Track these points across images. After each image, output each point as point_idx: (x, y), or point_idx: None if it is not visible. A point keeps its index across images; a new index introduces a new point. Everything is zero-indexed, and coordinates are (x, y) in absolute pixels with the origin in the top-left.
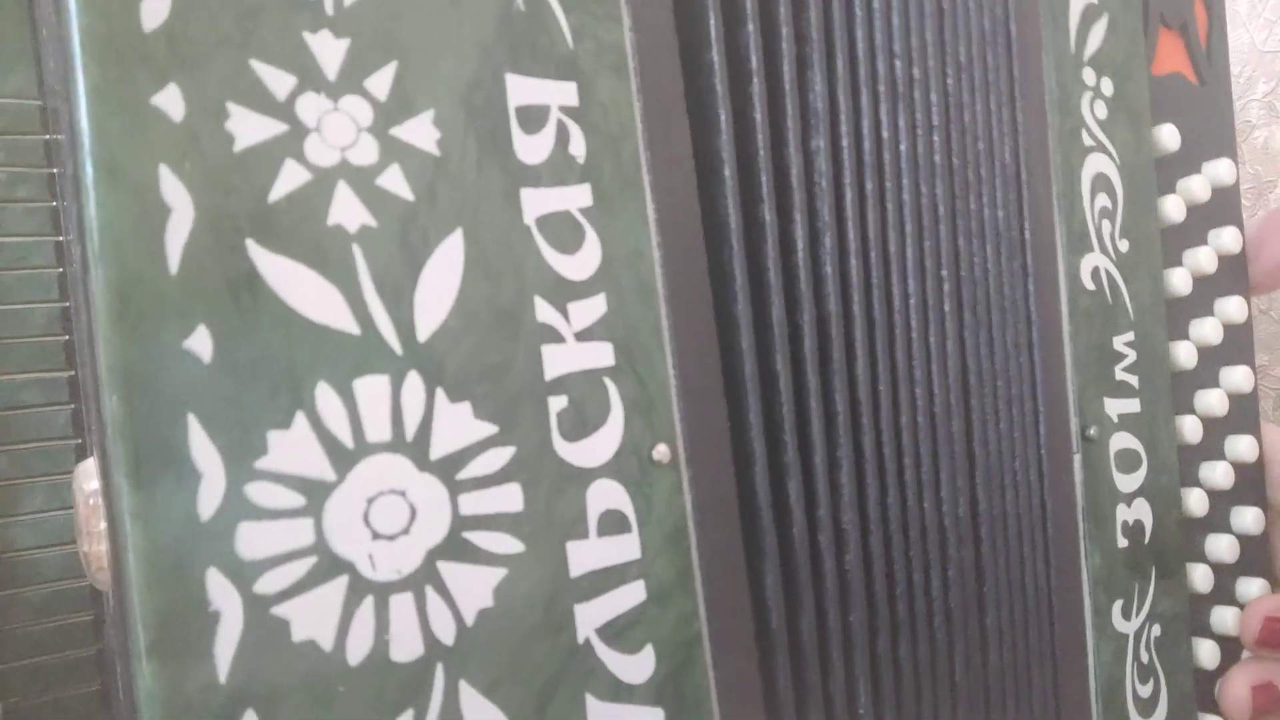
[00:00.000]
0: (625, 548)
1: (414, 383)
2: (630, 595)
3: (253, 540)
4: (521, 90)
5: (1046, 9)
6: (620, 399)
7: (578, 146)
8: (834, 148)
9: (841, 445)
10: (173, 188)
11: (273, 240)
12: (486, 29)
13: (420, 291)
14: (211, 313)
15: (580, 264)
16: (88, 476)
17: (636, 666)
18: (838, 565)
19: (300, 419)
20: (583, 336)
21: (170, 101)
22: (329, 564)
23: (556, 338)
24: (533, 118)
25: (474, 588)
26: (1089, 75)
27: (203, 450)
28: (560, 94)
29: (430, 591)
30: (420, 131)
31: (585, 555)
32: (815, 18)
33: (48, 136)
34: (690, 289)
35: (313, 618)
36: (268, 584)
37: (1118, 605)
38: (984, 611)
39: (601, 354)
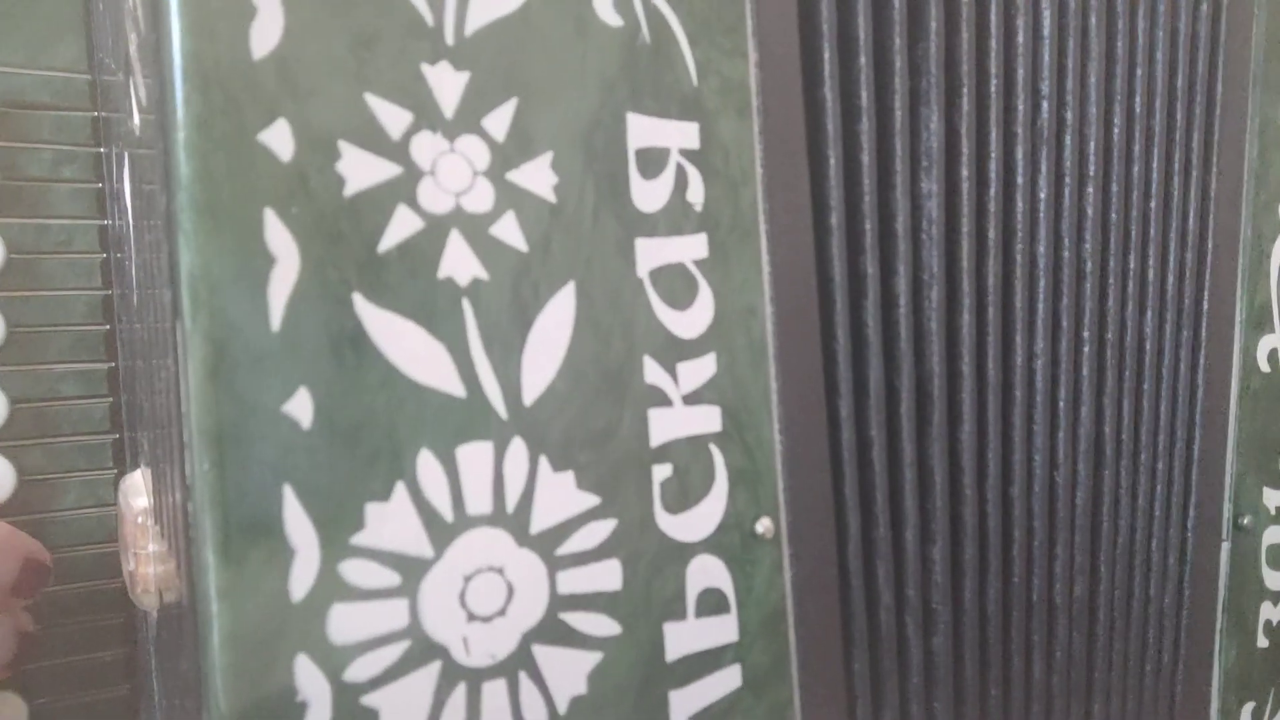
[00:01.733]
0: (723, 630)
1: (518, 450)
2: (726, 681)
3: (346, 623)
4: (642, 131)
5: (1261, 72)
6: (725, 468)
7: (696, 193)
8: (949, 192)
9: (937, 518)
10: (278, 234)
11: (381, 294)
12: (610, 63)
13: (529, 351)
14: (314, 373)
15: (692, 321)
16: (136, 493)
17: None
18: (924, 649)
19: (400, 490)
20: (691, 400)
21: (279, 138)
22: (422, 648)
23: (664, 401)
24: (652, 161)
25: (569, 673)
26: None
27: (298, 524)
28: (681, 135)
29: (524, 678)
30: (538, 176)
31: (682, 637)
32: (935, 49)
33: (96, 114)
34: (801, 350)
35: (403, 706)
36: (358, 671)
37: (1248, 708)
38: (1092, 700)
39: (709, 419)
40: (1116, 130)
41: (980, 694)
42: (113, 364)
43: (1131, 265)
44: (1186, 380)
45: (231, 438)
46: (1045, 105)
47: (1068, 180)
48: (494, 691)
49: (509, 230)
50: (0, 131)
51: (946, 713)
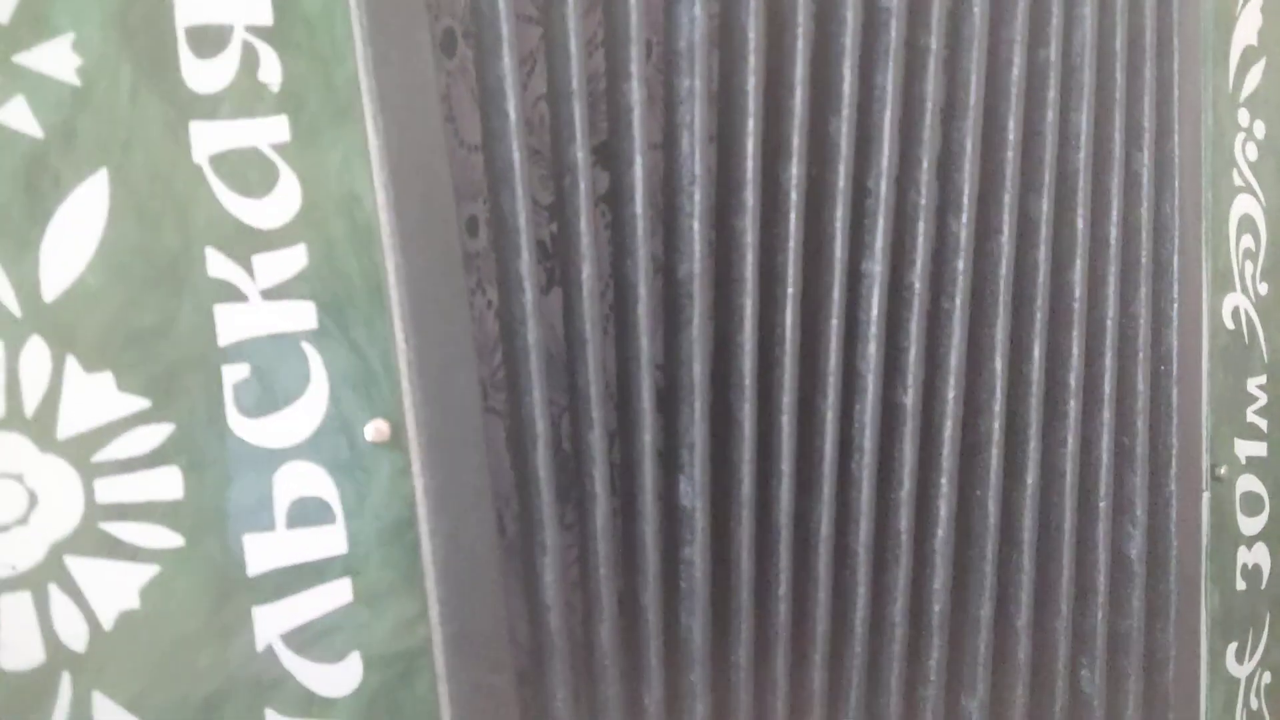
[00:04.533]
0: (326, 541)
1: (36, 348)
2: (332, 596)
3: None
4: (193, 7)
5: (1208, 46)
6: (325, 368)
7: (271, 72)
8: (726, 89)
9: (695, 419)
10: None
11: None
12: None
13: (47, 243)
14: None
15: (271, 209)
16: None
17: (336, 678)
18: (661, 555)
19: None
20: (273, 295)
21: None
22: None
23: (236, 295)
24: (209, 39)
25: (114, 587)
26: (1243, 116)
27: None
28: (248, 11)
29: (55, 591)
30: (56, 58)
31: (268, 550)
32: None
33: None
34: (430, 238)
35: None
36: None
37: (1232, 648)
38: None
39: (300, 315)
40: (1014, 70)
41: (759, 612)
42: None
43: (1042, 209)
44: (1149, 337)
45: None
46: (892, 25)
47: (929, 106)
48: (16, 603)
49: (18, 116)
50: None
51: (701, 625)
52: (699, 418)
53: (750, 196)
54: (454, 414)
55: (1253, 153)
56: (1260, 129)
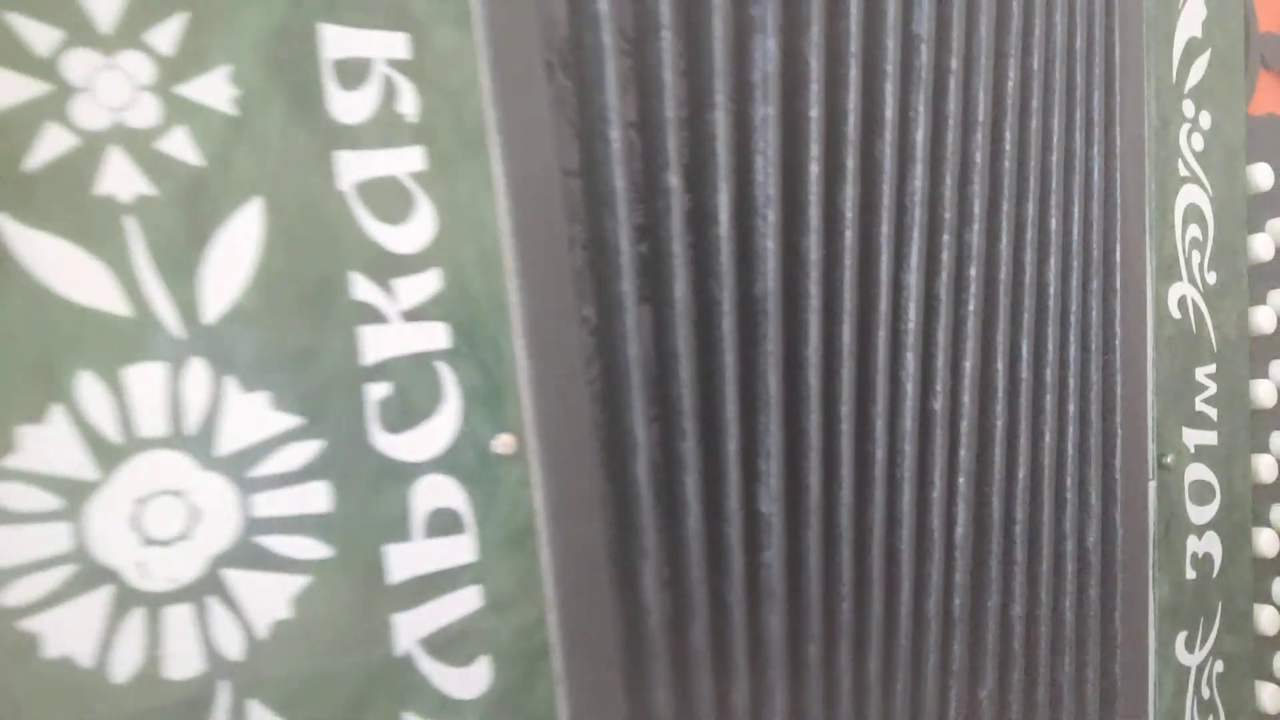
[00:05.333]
0: (459, 550)
1: (198, 370)
2: (463, 602)
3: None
4: (339, 41)
5: (1151, 37)
6: (457, 385)
7: (408, 104)
8: (789, 118)
9: (770, 431)
10: None
11: (28, 213)
12: None
13: (208, 268)
14: None
15: (410, 235)
16: None
17: (468, 681)
18: (750, 561)
19: (57, 412)
20: (412, 316)
21: None
22: (90, 572)
23: (378, 318)
24: (352, 72)
25: (269, 597)
26: (1188, 107)
27: None
28: (388, 46)
29: (214, 603)
30: (213, 88)
31: (408, 559)
32: None
33: None
34: (549, 261)
35: (70, 631)
36: (16, 595)
37: (1181, 637)
38: (1007, 631)
39: (434, 335)
40: (1010, 83)
41: (826, 609)
42: None
43: (1030, 213)
44: (1100, 327)
45: None
46: (923, 49)
47: (951, 124)
48: (178, 615)
49: (180, 145)
50: None
51: (779, 624)
52: (775, 428)
53: (814, 217)
54: (568, 427)
55: (1198, 143)
56: (1206, 119)
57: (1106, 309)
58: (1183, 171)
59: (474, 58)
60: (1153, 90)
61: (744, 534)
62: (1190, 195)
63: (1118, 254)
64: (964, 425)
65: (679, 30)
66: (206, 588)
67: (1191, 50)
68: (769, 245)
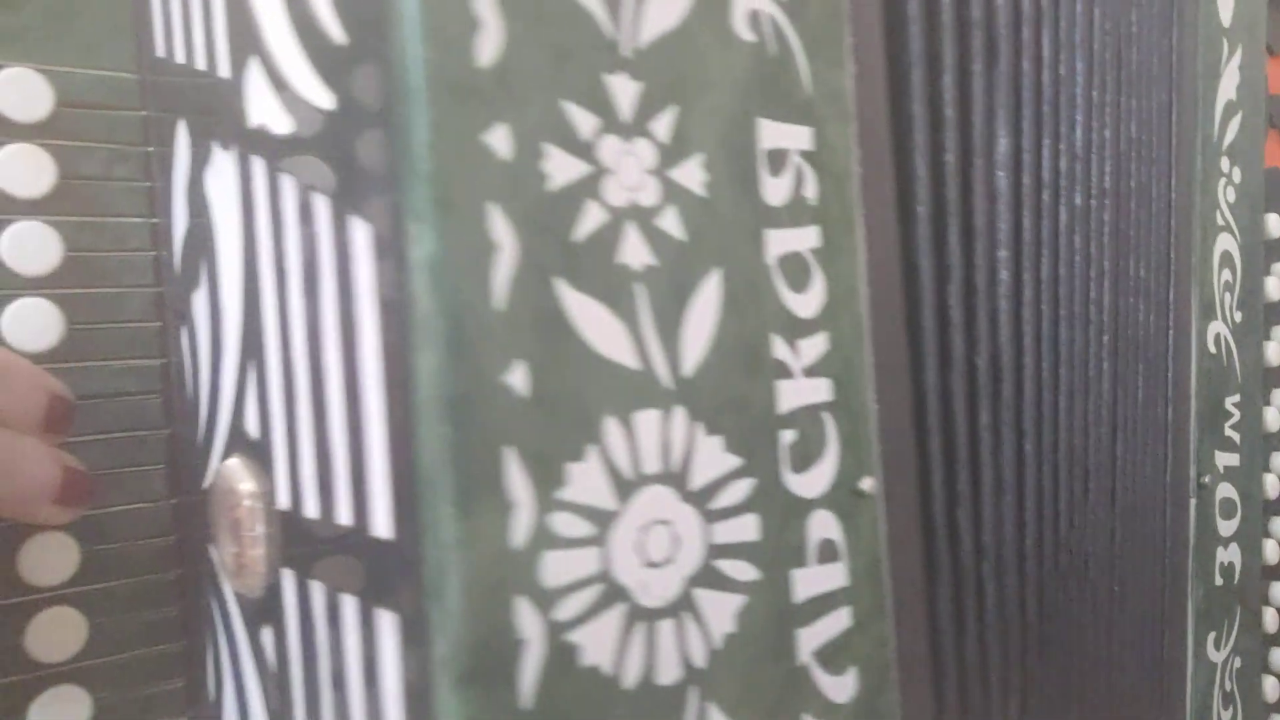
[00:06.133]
0: (836, 575)
1: (680, 416)
2: (840, 620)
3: (554, 569)
4: (770, 134)
5: (1202, 100)
6: (836, 433)
7: (810, 189)
8: (1015, 196)
9: (1005, 474)
10: (500, 225)
11: (576, 278)
12: (745, 72)
13: (686, 329)
14: (527, 348)
15: (808, 302)
16: (239, 478)
17: (842, 687)
18: (999, 588)
19: (592, 451)
20: (809, 373)
21: (500, 139)
22: (611, 591)
23: (787, 373)
24: (777, 161)
25: (722, 613)
26: (1225, 163)
27: (518, 481)
28: (799, 138)
29: (688, 618)
30: (693, 174)
31: (806, 582)
32: (1007, 71)
33: (145, 113)
34: (892, 327)
35: (598, 643)
36: (563, 611)
37: (1211, 637)
38: (1112, 635)
39: (822, 390)
40: (1122, 146)
41: (1039, 629)
42: (165, 360)
43: (1131, 268)
44: (1163, 363)
45: (464, 404)
46: (1079, 129)
47: (1094, 194)
48: (666, 629)
49: (671, 222)
50: (57, 131)
51: (1017, 645)
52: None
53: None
54: (903, 470)
55: (1231, 195)
56: (1237, 174)
57: (1164, 346)
58: (1219, 221)
59: (850, 150)
60: (1199, 147)
61: (994, 564)
62: (1225, 243)
63: (1172, 294)
64: (1099, 459)
65: None
66: (683, 604)
67: (1229, 111)
68: (1003, 306)
